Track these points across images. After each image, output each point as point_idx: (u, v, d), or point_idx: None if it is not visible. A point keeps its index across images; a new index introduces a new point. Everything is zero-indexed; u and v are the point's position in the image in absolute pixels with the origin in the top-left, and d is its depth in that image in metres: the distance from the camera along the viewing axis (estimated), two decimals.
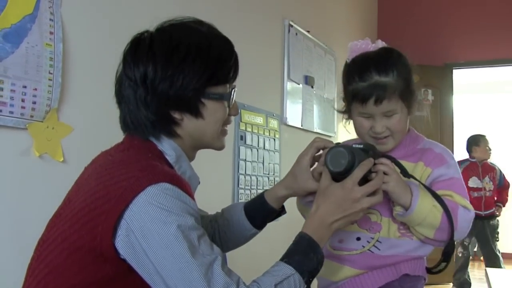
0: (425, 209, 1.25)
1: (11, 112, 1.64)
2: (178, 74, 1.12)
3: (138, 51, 1.16)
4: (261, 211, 1.42)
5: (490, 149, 5.45)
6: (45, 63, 1.74)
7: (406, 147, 1.39)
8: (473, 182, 5.36)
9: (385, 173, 1.25)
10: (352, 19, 5.09)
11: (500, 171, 5.54)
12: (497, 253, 5.24)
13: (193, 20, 1.21)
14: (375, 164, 1.25)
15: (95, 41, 1.96)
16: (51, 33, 1.77)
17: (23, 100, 1.67)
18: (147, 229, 1.00)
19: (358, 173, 1.20)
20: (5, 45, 1.62)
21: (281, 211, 1.45)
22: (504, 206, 5.54)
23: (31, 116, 1.71)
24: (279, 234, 3.35)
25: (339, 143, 1.36)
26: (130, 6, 2.16)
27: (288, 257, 1.13)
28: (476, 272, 6.78)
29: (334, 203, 1.19)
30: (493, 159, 7.57)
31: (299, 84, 3.74)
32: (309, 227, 1.18)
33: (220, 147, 1.26)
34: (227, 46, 1.21)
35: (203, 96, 1.16)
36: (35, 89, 1.71)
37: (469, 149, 5.48)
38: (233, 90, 1.23)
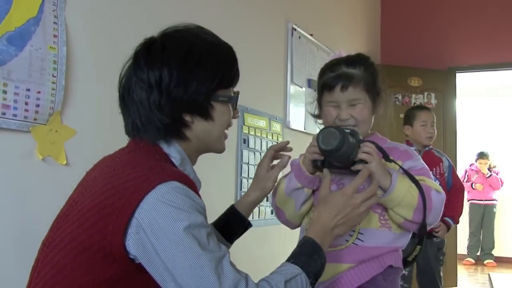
0: (403, 189, 1.35)
1: (15, 115, 1.64)
2: (192, 79, 1.16)
3: (151, 55, 1.18)
4: (231, 222, 1.48)
5: (434, 130, 3.45)
6: (49, 66, 1.75)
7: None
8: None
9: (368, 154, 1.35)
10: (356, 23, 5.10)
11: (450, 163, 3.49)
12: (438, 281, 3.51)
13: (196, 26, 1.25)
14: (359, 147, 1.35)
15: (99, 44, 1.97)
16: (55, 36, 1.78)
17: (26, 103, 1.68)
18: (158, 226, 1.02)
19: (358, 181, 1.29)
20: (9, 48, 1.62)
21: (248, 223, 1.52)
22: (456, 223, 3.45)
23: (35, 119, 1.71)
24: (279, 238, 3.35)
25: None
26: (133, 10, 2.16)
27: (294, 258, 1.17)
28: (479, 277, 6.77)
29: (335, 209, 1.25)
30: (493, 163, 7.61)
31: (302, 88, 3.74)
32: (312, 232, 1.23)
33: (222, 150, 1.31)
34: (231, 52, 1.27)
35: (213, 99, 1.20)
36: (39, 92, 1.71)
37: (403, 128, 3.55)
38: (237, 93, 1.29)
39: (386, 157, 1.39)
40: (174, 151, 1.20)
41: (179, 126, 1.19)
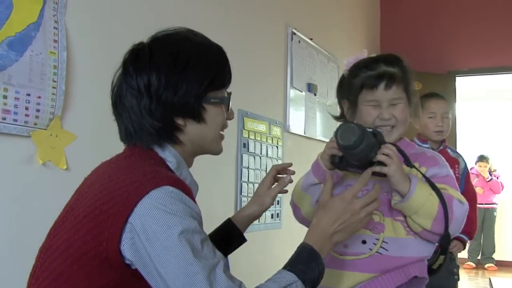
0: (422, 196, 1.30)
1: (15, 120, 1.65)
2: (181, 81, 1.15)
3: (139, 61, 1.18)
4: (226, 235, 1.47)
5: (446, 123, 2.86)
6: (49, 71, 1.75)
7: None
8: None
9: (388, 156, 1.30)
10: (355, 27, 5.11)
11: (465, 166, 2.97)
12: None
13: (186, 29, 1.25)
14: (380, 147, 1.30)
15: (99, 49, 1.97)
16: (55, 41, 1.78)
17: (27, 108, 1.68)
18: (151, 231, 1.01)
19: (358, 186, 1.25)
20: (10, 53, 1.62)
21: (242, 239, 1.50)
22: (471, 239, 2.97)
23: (35, 124, 1.71)
24: (279, 243, 3.35)
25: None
26: (133, 15, 2.17)
27: (290, 266, 1.15)
28: (480, 281, 6.76)
29: (334, 215, 1.22)
30: (493, 166, 7.60)
31: (302, 92, 3.75)
32: (311, 239, 1.21)
33: (218, 151, 1.29)
34: (221, 53, 1.25)
35: (204, 101, 1.19)
36: (39, 97, 1.72)
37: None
38: (229, 94, 1.27)
39: (407, 162, 1.34)
40: (169, 155, 1.19)
41: (171, 130, 1.18)
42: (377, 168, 1.29)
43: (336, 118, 1.56)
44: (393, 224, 1.37)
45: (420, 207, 1.30)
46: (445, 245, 1.35)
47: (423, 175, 1.35)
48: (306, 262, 1.15)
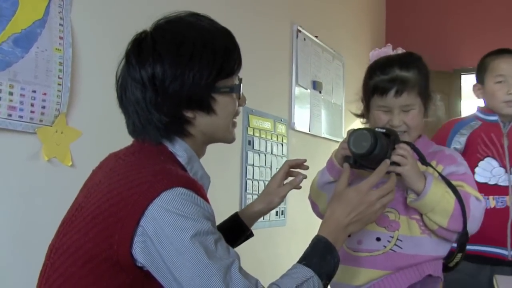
0: (438, 194, 1.28)
1: (21, 117, 1.65)
2: (188, 72, 1.10)
3: (142, 52, 1.12)
4: (233, 229, 1.44)
5: None
6: (55, 68, 1.75)
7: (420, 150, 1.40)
8: (486, 170, 2.16)
9: (403, 156, 1.28)
10: (360, 25, 5.09)
11: None
12: None
13: (190, 13, 1.19)
14: (394, 148, 1.29)
15: (104, 46, 1.97)
16: (60, 38, 1.78)
17: (32, 105, 1.68)
18: (164, 235, 0.99)
19: (374, 178, 1.23)
20: (15, 50, 1.63)
21: (249, 234, 1.48)
22: None
23: (40, 121, 1.72)
24: (284, 240, 3.35)
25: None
26: (139, 12, 2.17)
27: (306, 260, 1.12)
28: None
29: (349, 206, 1.19)
30: None
31: (307, 89, 3.74)
32: (325, 230, 1.18)
33: (231, 140, 1.24)
34: (230, 38, 1.19)
35: (213, 91, 1.14)
36: (45, 94, 1.72)
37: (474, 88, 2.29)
38: (240, 81, 1.21)
39: (423, 160, 1.33)
40: (180, 150, 1.15)
41: (180, 124, 1.13)
42: (391, 168, 1.28)
43: (357, 116, 1.53)
44: (409, 222, 1.36)
45: (436, 205, 1.29)
46: (463, 243, 1.33)
47: (439, 173, 1.34)
48: (321, 256, 1.13)
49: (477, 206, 1.32)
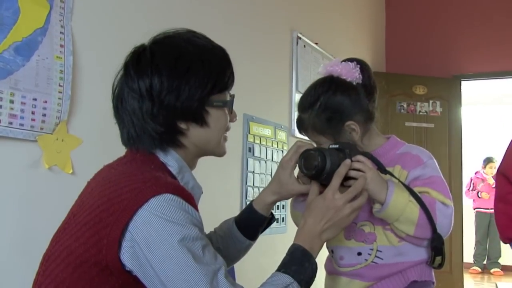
0: (401, 204, 1.26)
1: (22, 125, 1.66)
2: (184, 85, 1.14)
3: (140, 64, 1.16)
4: (252, 221, 1.44)
5: None
6: (55, 76, 1.76)
7: (384, 155, 1.39)
8: None
9: (361, 171, 1.26)
10: (360, 32, 5.11)
11: None
12: None
13: (187, 31, 1.23)
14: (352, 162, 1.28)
15: (105, 54, 1.98)
16: (61, 46, 1.79)
17: (33, 113, 1.69)
18: (152, 240, 1.01)
19: (336, 181, 1.24)
20: (16, 58, 1.63)
21: (271, 218, 1.48)
22: None
23: (41, 128, 1.72)
24: (285, 248, 3.34)
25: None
26: (140, 20, 2.17)
27: (284, 267, 1.15)
28: (486, 285, 6.72)
29: (318, 214, 1.22)
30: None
31: None
32: (300, 239, 1.21)
33: (222, 153, 1.27)
34: (224, 55, 1.23)
35: (207, 104, 1.18)
36: (45, 102, 1.72)
37: None
38: (232, 97, 1.25)
39: (381, 169, 1.30)
40: (171, 160, 1.18)
41: (174, 134, 1.17)
42: (351, 182, 1.26)
43: None
44: (385, 232, 1.35)
45: (400, 214, 1.27)
46: (438, 246, 1.31)
47: (401, 182, 1.31)
48: (299, 263, 1.16)
49: (444, 212, 1.29)
